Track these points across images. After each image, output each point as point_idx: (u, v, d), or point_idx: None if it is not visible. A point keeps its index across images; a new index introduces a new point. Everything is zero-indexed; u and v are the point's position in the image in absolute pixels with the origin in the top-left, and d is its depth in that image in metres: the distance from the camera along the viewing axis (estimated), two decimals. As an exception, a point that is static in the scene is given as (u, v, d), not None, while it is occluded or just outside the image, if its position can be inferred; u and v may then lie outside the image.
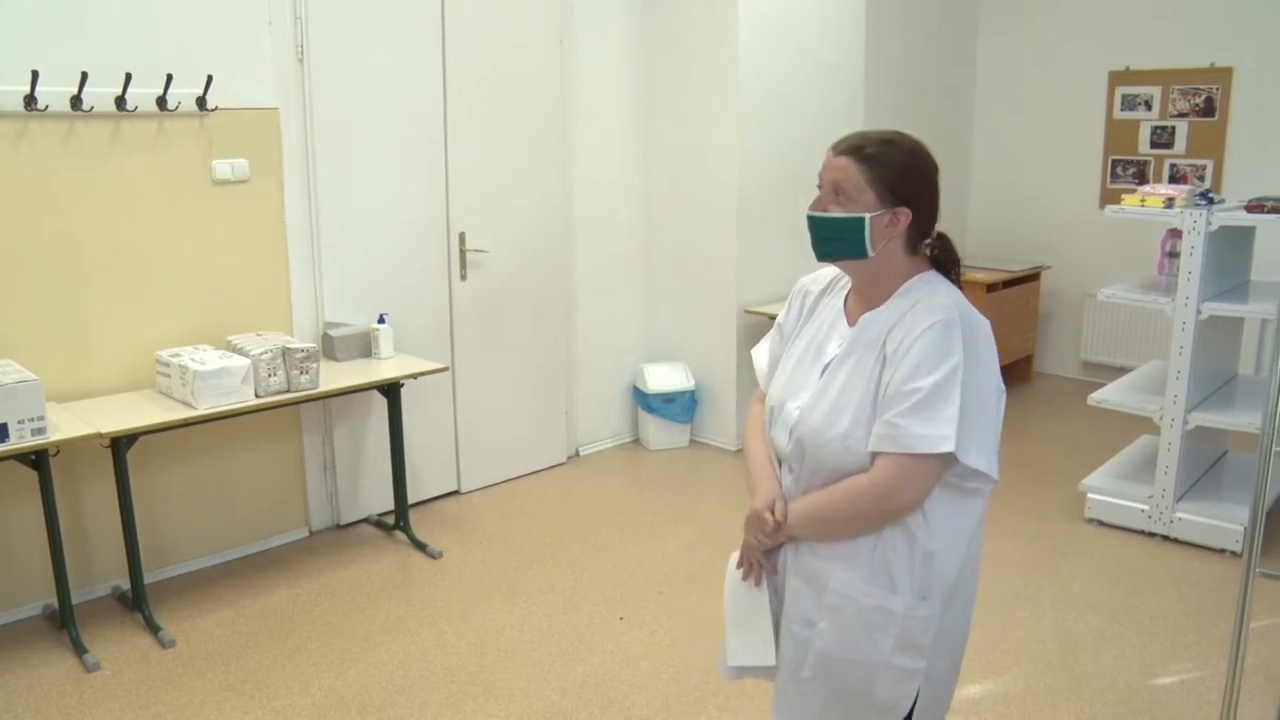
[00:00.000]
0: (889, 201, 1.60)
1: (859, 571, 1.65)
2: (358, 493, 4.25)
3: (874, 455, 1.59)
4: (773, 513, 1.71)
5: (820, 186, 1.66)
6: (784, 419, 1.72)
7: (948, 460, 1.56)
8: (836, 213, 1.62)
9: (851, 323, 1.71)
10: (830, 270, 1.79)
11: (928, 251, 1.70)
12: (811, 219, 1.66)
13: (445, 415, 4.50)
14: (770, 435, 1.77)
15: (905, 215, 1.61)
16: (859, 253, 1.62)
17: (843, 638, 1.67)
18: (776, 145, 4.94)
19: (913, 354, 1.56)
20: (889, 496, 1.57)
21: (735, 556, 1.84)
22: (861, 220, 1.60)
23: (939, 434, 1.53)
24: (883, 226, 1.61)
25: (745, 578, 1.81)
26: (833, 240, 1.64)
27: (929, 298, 1.62)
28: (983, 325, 1.62)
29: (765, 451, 1.80)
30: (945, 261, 1.71)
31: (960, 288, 1.71)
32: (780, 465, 1.76)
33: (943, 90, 6.56)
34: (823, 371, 1.69)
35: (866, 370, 1.62)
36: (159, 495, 3.66)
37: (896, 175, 1.61)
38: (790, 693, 1.76)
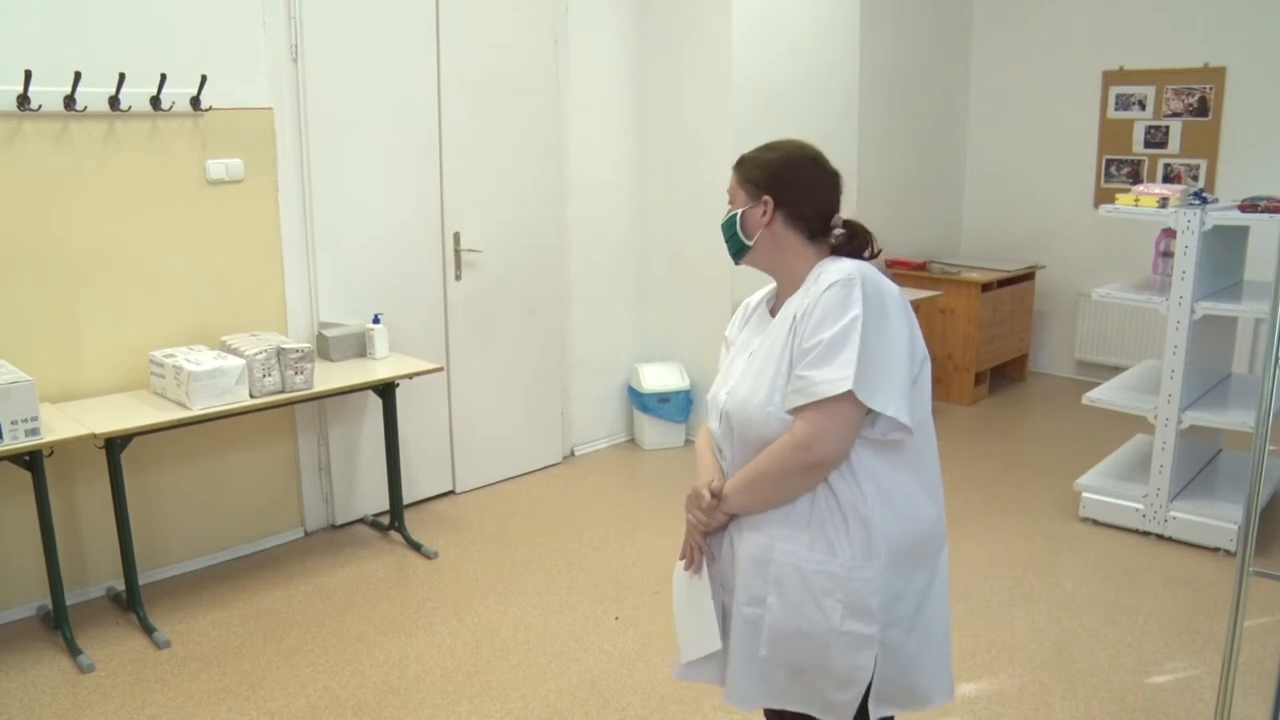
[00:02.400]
0: (754, 195, 1.80)
1: (800, 539, 1.71)
2: (353, 493, 4.24)
3: (794, 416, 1.67)
4: (710, 489, 1.80)
5: None
6: (716, 406, 1.84)
7: (861, 407, 1.62)
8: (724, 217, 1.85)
9: (773, 316, 1.83)
10: (770, 285, 1.91)
11: (834, 240, 1.81)
12: (720, 227, 1.88)
13: (440, 415, 4.49)
14: (709, 426, 1.89)
15: (769, 202, 1.78)
16: (742, 244, 1.82)
17: (792, 609, 1.71)
18: (771, 145, 4.93)
19: (816, 313, 1.66)
20: (809, 447, 1.64)
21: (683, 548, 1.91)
22: (734, 216, 1.83)
23: (838, 376, 1.61)
24: (757, 217, 1.79)
25: (687, 567, 1.88)
26: (727, 241, 1.85)
27: (831, 266, 1.73)
28: (891, 290, 1.71)
29: (709, 446, 1.90)
30: (855, 246, 1.81)
31: (858, 253, 1.82)
32: (721, 454, 1.85)
33: (937, 89, 6.57)
34: (747, 358, 1.81)
35: (780, 343, 1.72)
36: (153, 496, 3.65)
37: (756, 168, 1.81)
38: (749, 675, 1.79)
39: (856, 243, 1.81)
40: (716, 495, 1.78)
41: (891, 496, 1.69)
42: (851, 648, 1.69)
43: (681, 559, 1.89)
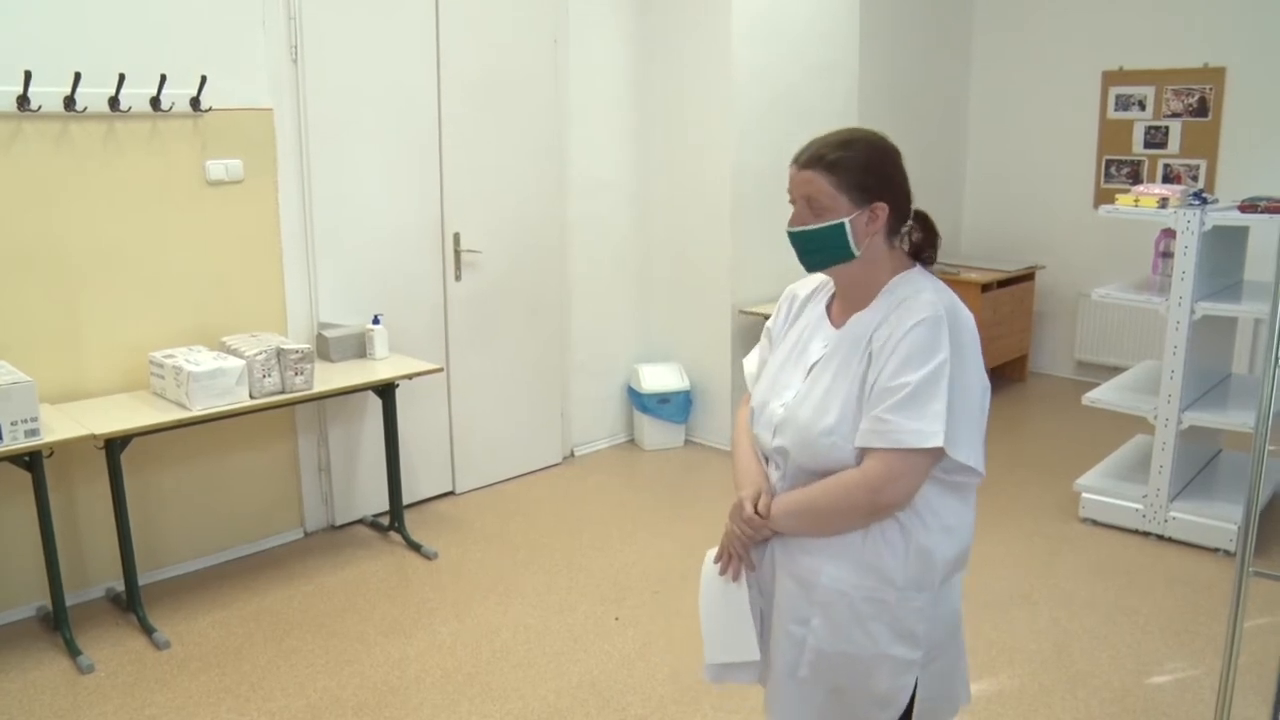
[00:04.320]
0: (862, 201, 1.63)
1: (847, 566, 1.66)
2: (353, 494, 4.24)
3: (862, 452, 1.60)
4: (756, 505, 1.72)
5: (792, 202, 1.69)
6: (768, 418, 1.74)
7: (937, 455, 1.57)
8: (815, 225, 1.65)
9: (836, 325, 1.73)
10: (818, 276, 1.81)
11: (906, 240, 1.71)
12: (793, 235, 1.68)
13: (440, 416, 4.49)
14: (755, 433, 1.79)
15: (883, 209, 1.64)
16: (845, 256, 1.65)
17: (836, 632, 1.67)
18: (771, 145, 4.94)
19: (900, 350, 1.57)
20: (882, 490, 1.57)
21: (712, 553, 1.85)
22: (842, 226, 1.63)
23: (929, 429, 1.54)
24: (864, 225, 1.64)
25: (723, 572, 1.81)
26: (818, 251, 1.67)
27: (915, 295, 1.62)
28: (968, 322, 1.63)
29: (752, 448, 1.82)
30: (924, 242, 1.73)
31: (932, 260, 1.74)
32: (767, 463, 1.78)
33: (937, 90, 6.57)
34: (808, 372, 1.71)
35: (852, 368, 1.64)
36: (153, 496, 3.65)
37: (865, 173, 1.63)
38: (789, 693, 1.75)
39: (929, 238, 1.72)
40: (764, 514, 1.71)
41: (950, 527, 1.66)
42: (895, 671, 1.66)
43: (716, 561, 1.83)
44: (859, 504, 1.60)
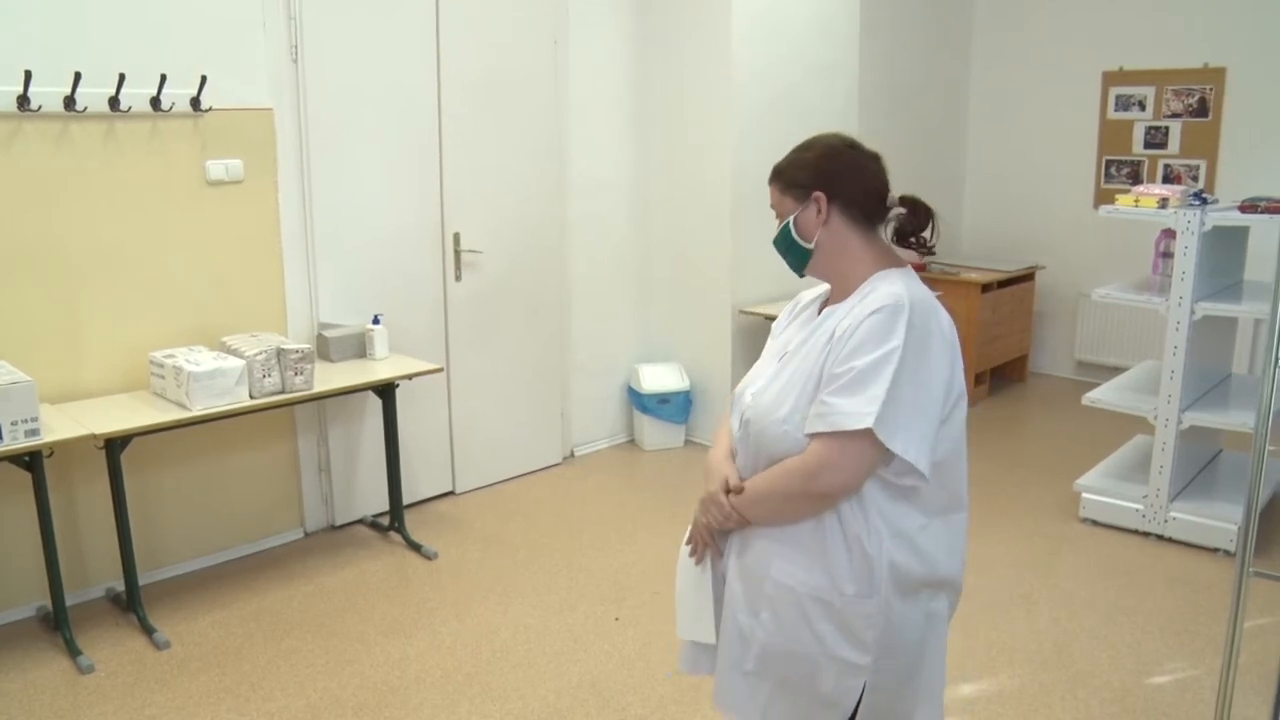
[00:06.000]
0: (802, 196, 1.72)
1: (799, 560, 1.66)
2: (353, 494, 4.24)
3: (810, 440, 1.61)
4: (730, 485, 1.74)
5: None
6: (739, 405, 1.78)
7: (879, 446, 1.54)
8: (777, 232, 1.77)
9: None
10: (824, 287, 1.84)
11: (892, 227, 1.74)
12: (773, 244, 1.79)
13: (440, 416, 4.49)
14: (732, 425, 1.83)
15: (820, 197, 1.70)
16: (804, 251, 1.74)
17: (784, 628, 1.68)
18: (771, 145, 4.89)
19: (854, 338, 1.58)
20: (817, 475, 1.58)
21: (688, 532, 1.89)
22: (787, 225, 1.74)
23: (861, 410, 1.53)
24: (812, 218, 1.71)
25: (692, 555, 1.86)
26: (786, 254, 1.78)
27: (884, 288, 1.63)
28: (941, 320, 1.62)
29: (728, 443, 1.84)
30: (909, 226, 1.74)
31: (932, 248, 1.75)
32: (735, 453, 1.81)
33: (937, 90, 6.57)
34: (779, 360, 1.75)
35: (814, 358, 1.65)
36: (153, 496, 3.65)
37: (796, 169, 1.73)
38: (735, 685, 1.77)
39: (918, 220, 1.72)
40: (737, 491, 1.71)
41: (904, 534, 1.62)
42: (841, 673, 1.65)
43: (687, 544, 1.87)
44: (795, 489, 1.61)
